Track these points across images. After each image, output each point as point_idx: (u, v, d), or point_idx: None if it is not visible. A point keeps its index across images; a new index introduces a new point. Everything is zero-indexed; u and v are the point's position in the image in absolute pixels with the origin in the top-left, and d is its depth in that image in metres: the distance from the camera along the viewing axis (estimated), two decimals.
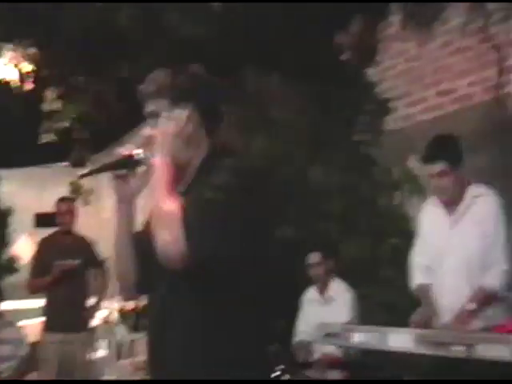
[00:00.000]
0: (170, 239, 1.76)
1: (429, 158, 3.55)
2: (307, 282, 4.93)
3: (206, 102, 1.99)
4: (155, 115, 1.97)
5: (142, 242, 2.01)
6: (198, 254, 1.76)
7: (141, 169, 2.00)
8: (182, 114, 1.94)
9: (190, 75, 2.00)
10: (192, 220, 1.77)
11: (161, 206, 1.81)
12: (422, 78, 5.18)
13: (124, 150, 2.00)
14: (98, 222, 8.52)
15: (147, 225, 2.05)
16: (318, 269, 4.74)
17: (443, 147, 3.54)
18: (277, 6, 5.65)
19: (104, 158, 2.11)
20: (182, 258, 1.76)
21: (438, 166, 3.47)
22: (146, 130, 1.99)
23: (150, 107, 1.98)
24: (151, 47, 6.15)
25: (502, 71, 4.53)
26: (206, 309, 1.86)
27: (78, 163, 8.03)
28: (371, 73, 5.61)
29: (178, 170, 1.92)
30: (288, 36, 5.91)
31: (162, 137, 1.92)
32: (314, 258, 4.76)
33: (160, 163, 1.88)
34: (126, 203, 2.04)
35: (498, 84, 4.53)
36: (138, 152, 1.98)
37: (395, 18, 5.41)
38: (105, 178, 2.07)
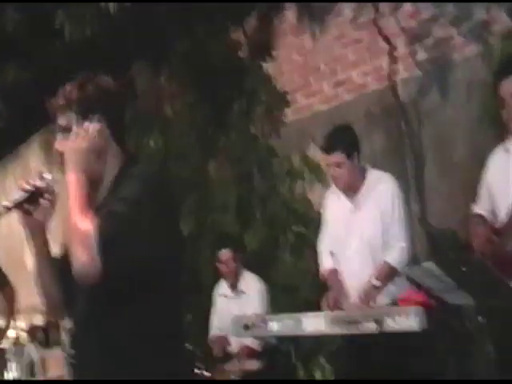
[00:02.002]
0: (84, 258, 1.76)
1: (326, 148, 3.72)
2: (216, 277, 4.94)
3: (113, 113, 1.98)
4: (65, 129, 1.95)
5: (60, 264, 2.02)
6: (111, 268, 1.76)
7: (46, 196, 1.98)
8: (91, 127, 1.92)
9: (96, 87, 1.98)
10: (104, 236, 1.76)
11: (75, 226, 1.79)
12: (317, 69, 5.30)
13: (25, 184, 1.97)
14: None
15: (65, 246, 2.04)
16: (228, 265, 4.75)
17: (339, 138, 3.71)
18: (172, 4, 5.62)
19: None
20: (96, 275, 1.76)
21: (335, 156, 3.63)
22: (57, 145, 1.97)
23: (60, 121, 1.97)
24: (39, 50, 5.99)
25: (392, 60, 4.72)
26: (122, 316, 1.87)
27: None
28: (268, 66, 5.68)
29: (92, 186, 1.91)
30: (182, 32, 5.91)
31: (73, 152, 1.90)
32: (224, 254, 4.76)
33: (73, 180, 1.87)
34: (37, 234, 2.03)
35: (390, 73, 4.71)
36: (41, 182, 1.97)
37: (289, 12, 5.51)
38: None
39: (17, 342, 6.53)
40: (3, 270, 5.52)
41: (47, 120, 2.10)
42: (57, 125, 1.98)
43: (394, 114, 4.64)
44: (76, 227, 1.79)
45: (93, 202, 1.89)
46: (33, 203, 1.98)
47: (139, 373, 1.85)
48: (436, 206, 4.41)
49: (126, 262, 1.79)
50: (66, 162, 1.90)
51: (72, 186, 1.86)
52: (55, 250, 2.10)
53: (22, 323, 6.66)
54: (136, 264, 1.80)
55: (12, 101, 6.83)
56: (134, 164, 1.98)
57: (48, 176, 1.99)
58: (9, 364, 6.06)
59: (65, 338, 5.98)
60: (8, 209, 1.96)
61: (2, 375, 5.64)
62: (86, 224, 1.77)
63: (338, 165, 3.64)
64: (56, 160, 1.99)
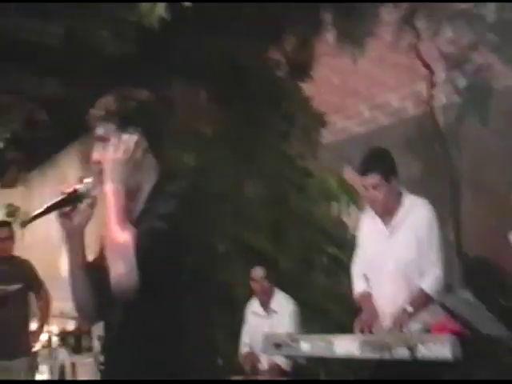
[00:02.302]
0: (122, 270, 1.78)
1: (363, 169, 3.69)
2: (249, 295, 4.97)
3: (152, 126, 2.00)
4: (103, 139, 1.97)
5: (95, 272, 2.04)
6: (148, 282, 1.79)
7: (85, 201, 2.01)
8: (130, 139, 1.93)
9: (136, 100, 2.00)
10: (143, 251, 1.78)
11: (113, 238, 1.82)
12: (355, 92, 5.34)
13: (65, 188, 1.99)
14: (34, 244, 8.34)
15: (100, 254, 2.08)
16: (260, 283, 4.78)
17: (376, 160, 3.68)
18: (212, 21, 5.70)
19: (35, 178, 2.11)
20: (133, 287, 1.78)
21: (371, 179, 3.61)
22: (95, 155, 1.99)
23: (98, 131, 1.98)
24: (78, 65, 6.11)
25: (431, 86, 4.72)
26: (154, 328, 1.89)
27: (10, 184, 7.87)
28: (306, 87, 5.73)
29: (129, 197, 1.92)
30: (221, 51, 5.99)
31: (112, 164, 1.91)
32: (257, 272, 4.79)
33: (111, 191, 1.88)
34: (74, 237, 2.05)
35: (428, 98, 4.72)
36: (81, 187, 1.99)
37: (329, 34, 5.56)
38: (37, 200, 2.08)
39: (49, 345, 6.64)
40: (39, 275, 5.64)
41: (85, 130, 2.13)
42: (95, 135, 1.99)
43: (432, 140, 4.64)
44: (115, 239, 1.81)
45: (129, 213, 1.90)
46: (72, 207, 2.01)
47: None
48: (472, 232, 4.40)
49: (162, 278, 1.81)
50: (104, 172, 1.92)
51: (110, 197, 1.88)
52: (90, 255, 2.11)
53: (54, 328, 6.78)
54: (171, 279, 1.84)
55: (52, 111, 7.00)
56: (171, 179, 2.00)
57: (88, 180, 2.00)
58: (40, 367, 6.16)
59: (96, 344, 6.06)
60: (48, 210, 1.99)
61: (33, 377, 5.74)
62: (124, 236, 1.80)
63: (375, 187, 3.61)
64: (93, 169, 1.98)
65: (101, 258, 2.03)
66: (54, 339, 6.73)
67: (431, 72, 4.71)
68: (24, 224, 2.05)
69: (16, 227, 6.14)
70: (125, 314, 1.93)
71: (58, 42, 5.71)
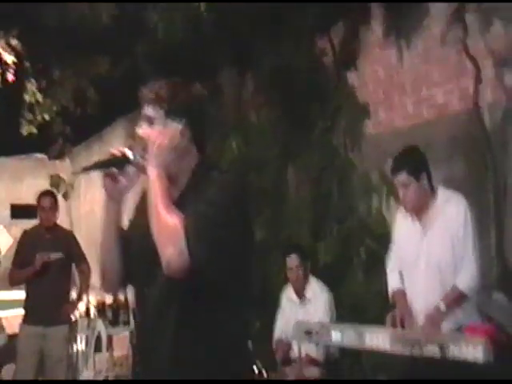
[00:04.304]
0: (174, 253, 1.86)
1: (393, 169, 3.73)
2: (283, 282, 5.02)
3: (198, 119, 2.08)
4: (149, 120, 2.05)
5: (128, 240, 2.12)
6: (197, 265, 1.87)
7: (130, 169, 2.07)
8: (176, 127, 2.02)
9: (187, 92, 2.08)
10: (192, 234, 1.86)
11: (163, 221, 1.89)
12: (401, 85, 5.31)
13: (116, 150, 2.07)
14: (78, 217, 8.52)
15: (135, 223, 2.18)
16: (295, 271, 4.84)
17: (406, 159, 3.72)
18: (259, 7, 5.72)
19: (81, 152, 2.18)
20: (185, 268, 1.86)
21: (401, 177, 3.64)
22: (140, 131, 2.06)
23: (146, 111, 2.06)
24: (129, 47, 6.20)
25: (478, 82, 4.66)
26: (195, 311, 1.97)
27: (57, 156, 8.05)
28: (352, 77, 5.72)
29: (170, 182, 2.00)
30: (269, 39, 6.00)
31: (156, 150, 1.99)
32: (292, 261, 4.84)
33: (155, 175, 1.97)
34: (114, 201, 2.11)
35: (475, 95, 4.66)
36: (129, 152, 2.06)
37: (377, 25, 5.53)
38: (84, 175, 2.14)
39: (87, 316, 6.83)
40: (81, 247, 5.80)
41: (132, 108, 2.21)
42: (142, 113, 2.07)
43: (477, 139, 4.58)
44: (164, 222, 1.89)
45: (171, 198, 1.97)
46: (118, 170, 2.08)
47: (200, 366, 1.96)
48: None
49: (208, 261, 1.89)
50: (149, 157, 2.00)
51: (154, 181, 1.97)
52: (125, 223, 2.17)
53: (93, 299, 6.96)
54: (214, 264, 1.91)
55: (101, 88, 7.14)
56: (212, 167, 2.09)
57: (136, 149, 2.06)
58: (78, 336, 6.35)
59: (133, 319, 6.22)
60: (96, 166, 2.08)
61: (72, 347, 5.92)
62: (173, 220, 1.88)
63: (405, 185, 3.66)
64: (137, 143, 2.06)
65: (135, 227, 2.14)
66: (92, 311, 6.92)
67: (478, 68, 4.64)
68: (74, 174, 2.13)
69: (60, 198, 6.31)
70: (165, 291, 1.99)
71: (110, 22, 5.82)
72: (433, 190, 3.70)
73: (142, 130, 2.06)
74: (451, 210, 3.61)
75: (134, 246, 2.10)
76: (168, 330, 1.99)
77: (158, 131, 2.01)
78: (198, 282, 1.91)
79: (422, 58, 5.17)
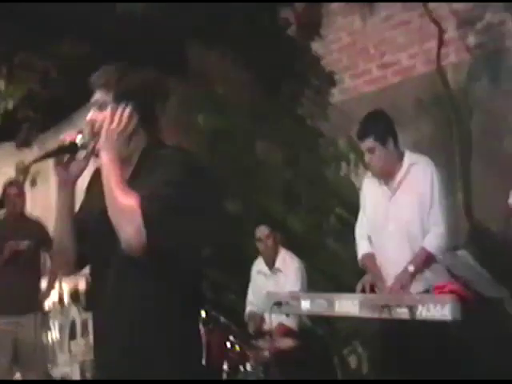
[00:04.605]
0: (132, 231, 1.92)
1: (359, 135, 3.70)
2: (255, 255, 4.99)
3: (147, 102, 2.14)
4: (100, 105, 2.10)
5: (81, 222, 2.17)
6: (156, 242, 1.93)
7: (80, 154, 2.13)
8: (124, 111, 2.07)
9: (135, 78, 2.14)
10: (149, 213, 1.92)
11: (119, 202, 1.95)
12: (365, 50, 5.26)
13: (65, 137, 2.11)
14: (46, 203, 8.41)
15: (86, 205, 2.24)
16: (265, 242, 4.80)
17: (371, 124, 3.69)
18: None
19: (50, 139, 2.22)
20: (142, 247, 1.92)
21: (367, 143, 3.61)
22: (90, 116, 2.12)
23: (96, 96, 2.12)
24: (91, 24, 6.07)
25: (441, 43, 4.63)
26: (156, 286, 2.02)
27: (24, 143, 7.89)
28: (316, 47, 5.65)
29: (122, 164, 2.06)
30: (233, 11, 5.91)
31: (106, 135, 2.05)
32: (261, 231, 4.81)
33: (107, 160, 2.03)
34: (67, 187, 2.16)
35: (438, 56, 4.63)
36: (79, 138, 2.10)
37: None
38: (51, 161, 2.17)
39: (60, 303, 6.76)
40: (50, 233, 5.71)
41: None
42: (92, 99, 2.13)
43: (442, 100, 4.56)
44: (120, 203, 1.95)
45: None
46: (69, 157, 2.12)
47: (157, 338, 2.01)
48: (482, 196, 4.34)
49: (165, 239, 1.95)
50: (100, 142, 2.06)
51: (108, 165, 2.02)
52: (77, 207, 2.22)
53: (66, 286, 6.89)
54: (173, 240, 1.98)
55: (66, 71, 6.98)
56: (161, 147, 2.14)
57: (85, 133, 2.12)
58: (51, 324, 6.28)
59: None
60: (46, 156, 2.12)
61: (47, 336, 5.85)
62: (129, 200, 1.94)
63: (371, 151, 3.63)
64: (87, 128, 2.12)
65: (86, 210, 2.20)
66: (66, 297, 6.85)
67: (441, 30, 4.60)
68: (26, 167, 2.17)
69: (27, 186, 6.20)
70: (122, 270, 2.04)
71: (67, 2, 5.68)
72: (399, 154, 3.67)
73: (91, 115, 2.11)
74: (418, 173, 3.60)
75: (88, 228, 2.14)
76: (125, 305, 2.03)
77: (107, 115, 2.07)
78: (155, 257, 1.96)
79: (384, 23, 5.12)
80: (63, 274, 2.37)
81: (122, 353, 2.03)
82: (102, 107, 2.10)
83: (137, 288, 2.02)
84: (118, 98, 2.09)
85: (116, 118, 2.07)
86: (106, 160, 2.03)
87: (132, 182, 2.04)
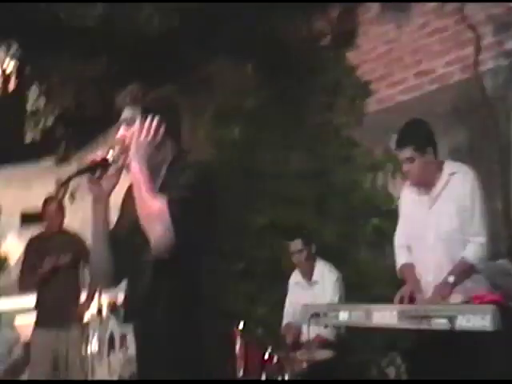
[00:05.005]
0: (162, 233, 2.03)
1: (398, 144, 3.63)
2: (291, 266, 4.95)
3: (170, 114, 2.27)
4: (128, 121, 2.24)
5: (117, 237, 2.27)
6: (181, 243, 2.04)
7: (111, 170, 2.24)
8: (151, 124, 2.20)
9: (161, 92, 2.29)
10: (176, 215, 2.05)
11: (148, 205, 2.08)
12: (401, 59, 5.21)
13: (96, 154, 2.24)
14: (84, 218, 8.49)
15: (121, 220, 2.35)
16: (300, 256, 4.76)
17: (410, 133, 3.61)
18: None
19: (87, 155, 2.30)
20: (171, 246, 2.04)
21: (406, 152, 3.55)
22: (120, 133, 2.26)
23: (125, 113, 2.26)
24: (120, 45, 6.18)
25: (478, 50, 4.56)
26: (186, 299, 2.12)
27: (62, 160, 8.02)
28: (351, 56, 5.62)
29: (152, 174, 2.19)
30: (264, 23, 5.93)
31: (136, 146, 2.17)
32: (295, 245, 4.77)
33: (137, 170, 2.15)
34: (101, 202, 2.27)
35: (475, 63, 4.56)
36: (110, 154, 2.22)
37: (373, 2, 5.44)
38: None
39: (99, 316, 6.80)
40: (89, 247, 5.76)
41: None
42: (121, 118, 2.26)
43: (479, 107, 4.48)
44: (150, 206, 2.07)
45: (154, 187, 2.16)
46: (100, 174, 2.23)
47: (190, 349, 2.08)
48: None
49: (186, 239, 2.05)
50: (130, 154, 2.18)
51: (137, 174, 2.14)
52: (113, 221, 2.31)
53: (104, 298, 6.94)
54: (196, 247, 2.10)
55: (101, 89, 7.10)
56: (185, 156, 2.26)
57: (116, 150, 2.23)
58: (90, 337, 6.32)
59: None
60: (79, 173, 2.23)
61: (86, 348, 5.89)
62: (157, 203, 2.06)
63: (410, 160, 3.57)
64: (118, 145, 2.24)
65: (121, 225, 2.32)
66: (104, 310, 6.89)
67: (478, 36, 4.53)
68: (64, 184, 2.31)
69: (66, 201, 6.29)
70: (154, 278, 2.14)
71: (96, 24, 5.79)
72: (439, 163, 3.60)
73: (121, 132, 2.25)
74: (458, 183, 3.52)
75: (124, 242, 2.25)
76: (158, 309, 2.13)
77: (135, 130, 2.19)
78: (181, 259, 2.06)
79: (420, 31, 5.06)
80: (102, 286, 2.42)
81: (163, 365, 2.10)
82: (130, 123, 2.23)
83: (168, 300, 2.11)
84: (145, 112, 2.21)
85: (144, 130, 2.18)
86: (136, 169, 2.14)
87: (162, 190, 2.15)
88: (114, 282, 2.38)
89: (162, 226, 2.03)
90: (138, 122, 2.21)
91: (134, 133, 2.20)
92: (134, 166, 2.16)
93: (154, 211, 2.05)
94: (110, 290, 5.38)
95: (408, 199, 3.78)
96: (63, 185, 2.32)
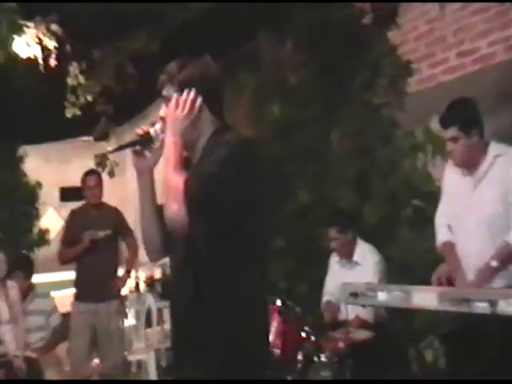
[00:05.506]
0: (175, 210, 2.04)
1: (443, 123, 3.59)
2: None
3: (210, 89, 2.25)
4: (167, 100, 2.23)
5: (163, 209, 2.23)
6: (198, 220, 2.03)
7: (155, 145, 2.28)
8: (187, 98, 2.19)
9: (197, 68, 2.25)
10: (193, 192, 2.03)
11: (169, 181, 2.08)
12: (443, 39, 5.12)
13: (140, 129, 2.26)
14: (124, 193, 8.61)
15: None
16: (337, 241, 4.73)
17: (456, 113, 3.56)
18: None
19: (126, 132, 2.33)
20: (184, 224, 2.04)
21: (451, 132, 3.50)
22: (161, 112, 2.26)
23: (164, 92, 2.26)
24: (164, 20, 6.18)
25: None
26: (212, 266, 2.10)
27: (101, 137, 8.09)
28: (392, 35, 5.55)
29: (188, 148, 2.21)
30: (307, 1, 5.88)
31: (171, 119, 2.18)
32: (332, 232, 4.73)
33: (170, 143, 2.15)
34: (144, 175, 2.30)
35: None
36: (152, 130, 2.26)
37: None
38: (128, 152, 2.31)
39: (136, 291, 6.91)
40: (128, 222, 5.84)
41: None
42: (162, 95, 2.27)
43: None
44: (169, 182, 2.08)
45: (188, 163, 2.19)
46: (144, 147, 2.27)
47: (227, 321, 2.07)
48: None
49: (213, 216, 2.05)
50: (166, 127, 2.19)
51: (169, 147, 2.16)
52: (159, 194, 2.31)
53: (142, 274, 7.04)
54: (222, 217, 2.05)
55: (141, 66, 7.14)
56: (227, 131, 2.22)
57: (158, 125, 2.26)
58: (128, 311, 6.43)
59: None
60: (123, 147, 2.28)
61: (123, 323, 6.00)
62: (177, 179, 2.06)
63: (455, 140, 3.52)
64: (159, 124, 2.27)
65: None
66: (142, 285, 6.99)
67: None
68: (104, 157, 2.34)
69: (105, 176, 6.36)
70: (186, 252, 2.15)
71: None
72: (484, 145, 3.55)
73: (162, 111, 2.25)
74: (503, 165, 3.47)
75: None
76: (188, 290, 2.13)
77: (172, 105, 2.19)
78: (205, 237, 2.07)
79: (463, 10, 4.96)
80: (150, 260, 2.45)
81: (197, 341, 2.09)
82: (169, 100, 2.22)
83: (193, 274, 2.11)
84: (181, 86, 2.20)
85: (180, 103, 2.17)
86: (169, 142, 2.15)
87: (197, 165, 2.17)
88: (160, 255, 2.39)
89: (176, 204, 2.03)
90: (174, 96, 2.20)
91: (171, 108, 2.20)
92: (168, 138, 2.17)
93: (172, 187, 2.06)
94: (146, 265, 5.42)
95: (451, 179, 3.73)
96: (106, 157, 2.38)
